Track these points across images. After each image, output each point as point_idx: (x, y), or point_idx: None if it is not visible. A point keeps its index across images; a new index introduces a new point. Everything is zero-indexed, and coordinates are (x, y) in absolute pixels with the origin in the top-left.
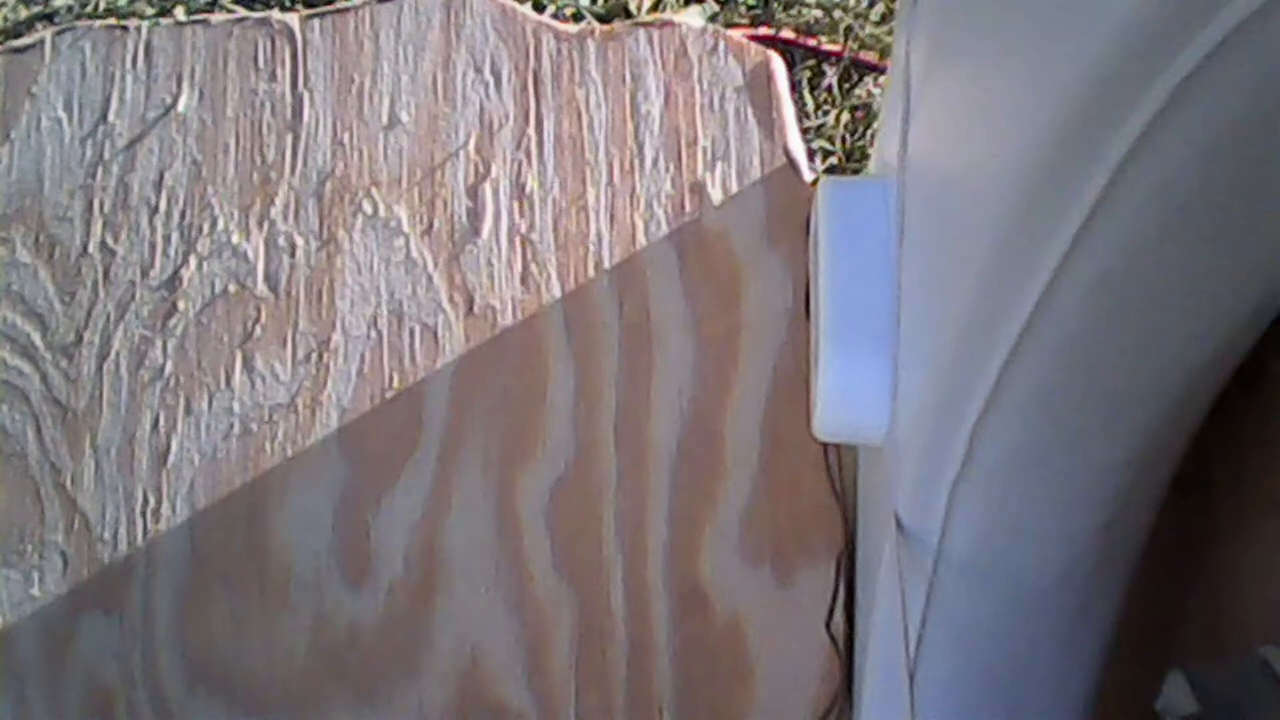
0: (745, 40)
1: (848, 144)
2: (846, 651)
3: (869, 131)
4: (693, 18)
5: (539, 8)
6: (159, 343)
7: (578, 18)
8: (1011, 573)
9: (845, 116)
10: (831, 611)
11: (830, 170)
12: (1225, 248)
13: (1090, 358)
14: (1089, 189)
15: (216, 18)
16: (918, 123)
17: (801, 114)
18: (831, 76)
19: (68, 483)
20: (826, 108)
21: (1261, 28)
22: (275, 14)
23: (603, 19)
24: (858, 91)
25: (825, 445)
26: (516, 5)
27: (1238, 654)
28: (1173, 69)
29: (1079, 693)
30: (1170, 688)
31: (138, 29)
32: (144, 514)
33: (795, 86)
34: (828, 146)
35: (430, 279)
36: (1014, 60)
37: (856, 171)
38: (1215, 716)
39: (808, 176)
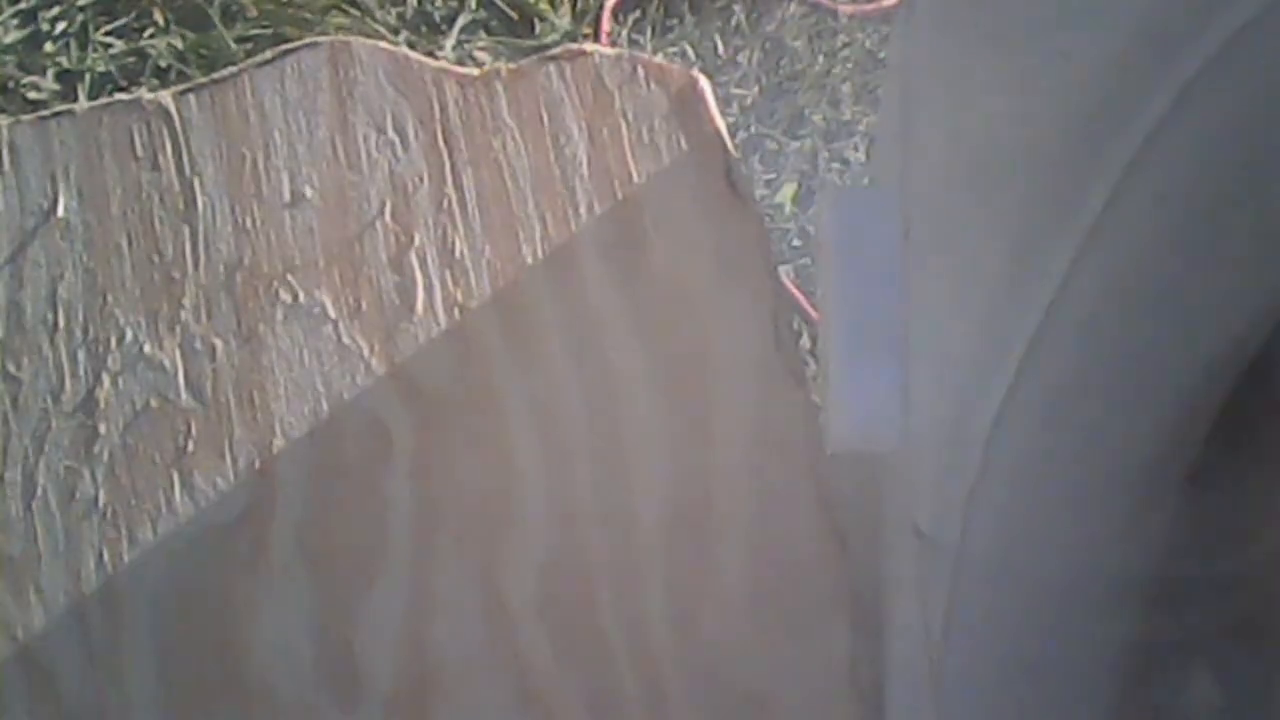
0: (665, 63)
1: (763, 83)
2: (875, 702)
3: (780, 64)
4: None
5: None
6: (86, 472)
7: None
8: (1031, 577)
9: (758, 55)
10: (854, 662)
11: (746, 110)
12: (1233, 250)
13: (1101, 362)
14: (1096, 192)
15: (80, 106)
16: (919, 127)
17: (714, 58)
18: (740, 13)
19: (19, 635)
20: (737, 44)
21: (1264, 29)
22: (145, 94)
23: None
24: (768, 24)
25: (819, 486)
26: (409, 53)
27: (1262, 644)
28: (1176, 71)
29: (1103, 693)
30: (1196, 680)
31: None
32: (106, 659)
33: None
34: (741, 92)
35: (368, 365)
36: (1014, 63)
37: (774, 112)
38: (1241, 707)
39: (751, 203)
